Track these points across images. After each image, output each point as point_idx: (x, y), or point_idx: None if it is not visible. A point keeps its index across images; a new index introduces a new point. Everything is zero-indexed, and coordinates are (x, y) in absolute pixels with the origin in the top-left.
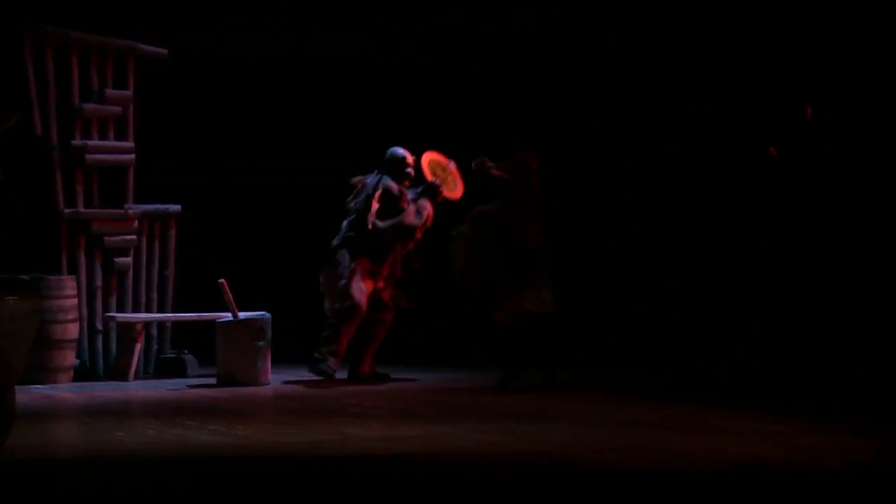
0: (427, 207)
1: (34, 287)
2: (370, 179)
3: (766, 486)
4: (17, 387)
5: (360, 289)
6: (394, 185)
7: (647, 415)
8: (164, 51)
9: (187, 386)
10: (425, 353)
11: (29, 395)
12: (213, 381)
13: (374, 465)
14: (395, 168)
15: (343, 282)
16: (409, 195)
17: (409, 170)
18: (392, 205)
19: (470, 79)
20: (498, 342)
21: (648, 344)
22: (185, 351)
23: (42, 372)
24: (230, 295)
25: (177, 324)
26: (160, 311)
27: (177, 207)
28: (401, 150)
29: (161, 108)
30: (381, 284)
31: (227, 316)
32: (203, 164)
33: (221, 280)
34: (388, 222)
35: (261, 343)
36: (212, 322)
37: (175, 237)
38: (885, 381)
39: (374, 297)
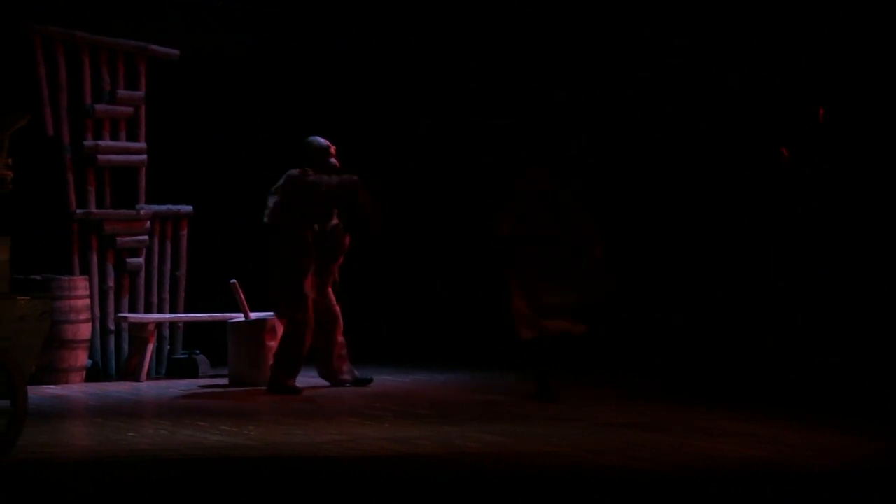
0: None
1: (46, 287)
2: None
3: (775, 489)
4: (29, 387)
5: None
6: (311, 173)
7: (656, 417)
8: (175, 51)
9: (199, 386)
10: (433, 354)
11: (41, 395)
12: (224, 381)
13: (383, 465)
14: (314, 159)
15: None
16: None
17: (333, 160)
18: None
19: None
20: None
21: (660, 345)
22: (197, 351)
23: (54, 372)
24: (242, 295)
25: (188, 324)
26: (172, 311)
27: (188, 208)
28: (321, 140)
29: (172, 108)
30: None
31: (239, 317)
32: (214, 164)
33: (233, 281)
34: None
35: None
36: (223, 323)
37: (187, 238)
38: None
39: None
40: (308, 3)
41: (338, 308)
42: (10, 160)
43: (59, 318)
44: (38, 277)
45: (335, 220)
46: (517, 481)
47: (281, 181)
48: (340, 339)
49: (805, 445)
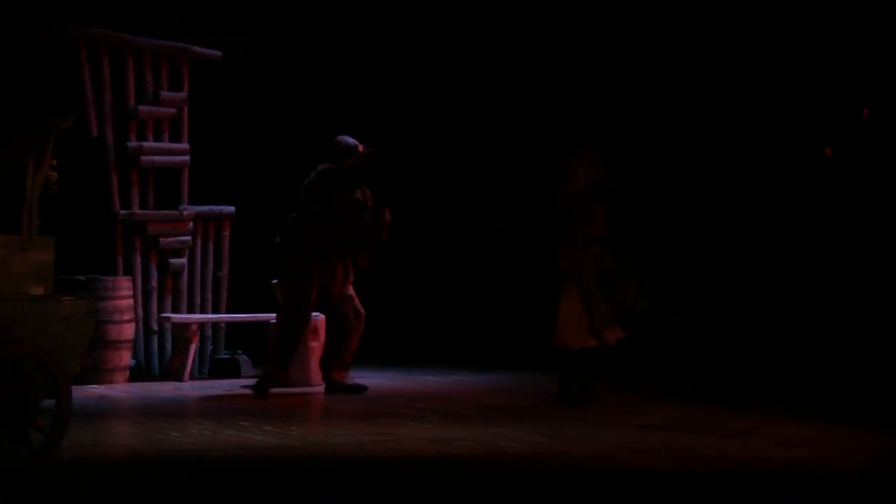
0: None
1: (90, 288)
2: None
3: (811, 491)
4: (73, 387)
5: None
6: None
7: (693, 418)
8: (218, 53)
9: (241, 387)
10: (475, 355)
11: (85, 394)
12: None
13: (425, 466)
14: (343, 158)
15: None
16: None
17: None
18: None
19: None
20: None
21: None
22: (239, 352)
23: (98, 372)
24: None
25: (231, 325)
26: (214, 311)
27: (231, 209)
28: (349, 139)
29: (215, 109)
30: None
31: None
32: (257, 165)
33: (275, 281)
34: None
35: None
36: (266, 323)
37: (229, 238)
38: None
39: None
40: (345, 5)
41: (362, 311)
42: (55, 161)
43: (102, 319)
44: (82, 278)
45: (369, 200)
46: (558, 482)
47: (312, 175)
48: (350, 341)
49: (837, 446)
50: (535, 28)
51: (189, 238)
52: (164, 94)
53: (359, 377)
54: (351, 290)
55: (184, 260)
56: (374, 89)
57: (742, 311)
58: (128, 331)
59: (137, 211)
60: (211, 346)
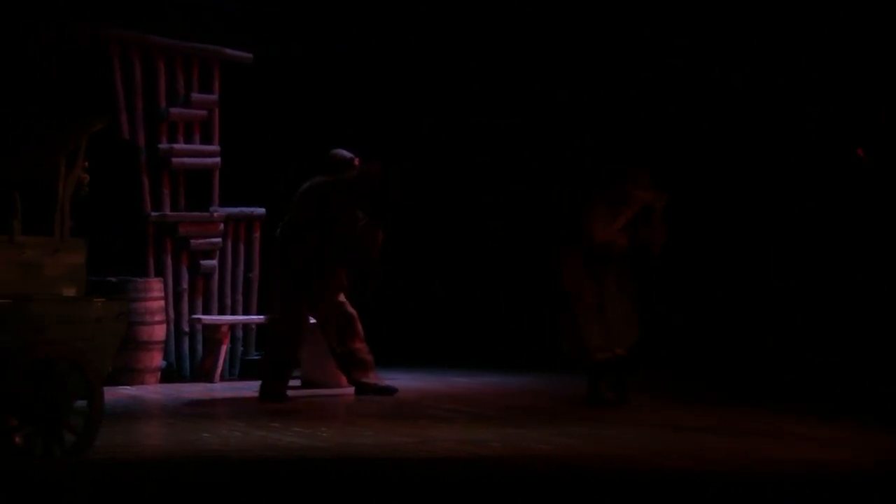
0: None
1: (121, 289)
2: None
3: (849, 493)
4: (105, 387)
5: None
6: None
7: (725, 420)
8: (249, 55)
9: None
10: (503, 357)
11: (117, 395)
12: (296, 383)
13: (453, 467)
14: (340, 172)
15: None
16: None
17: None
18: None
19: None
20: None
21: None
22: None
23: (130, 373)
24: None
25: (261, 326)
26: (245, 313)
27: (261, 210)
28: (346, 153)
29: (245, 111)
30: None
31: (311, 318)
32: (287, 167)
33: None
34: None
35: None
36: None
37: (259, 240)
38: None
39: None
40: (377, 7)
41: (354, 312)
42: (86, 163)
43: (134, 320)
44: (113, 279)
45: (362, 219)
46: (586, 484)
47: (306, 186)
48: (353, 344)
49: (876, 447)
50: (536, 28)
51: (220, 240)
52: (195, 96)
53: (388, 378)
54: (341, 297)
55: (214, 261)
56: (388, 89)
57: (742, 311)
58: (159, 332)
59: (169, 213)
60: (241, 348)
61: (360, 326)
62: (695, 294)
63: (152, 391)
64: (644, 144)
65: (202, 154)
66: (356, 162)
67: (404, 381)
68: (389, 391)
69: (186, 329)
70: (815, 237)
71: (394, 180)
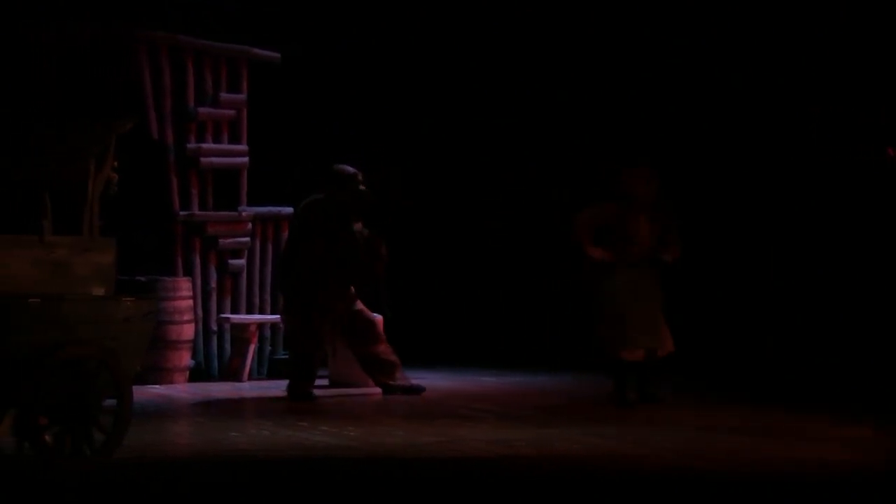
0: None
1: (150, 288)
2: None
3: (879, 495)
4: (134, 386)
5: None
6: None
7: (759, 421)
8: (277, 54)
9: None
10: (533, 356)
11: (146, 394)
12: (325, 382)
13: (481, 466)
14: (343, 187)
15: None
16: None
17: (362, 187)
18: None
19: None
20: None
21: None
22: None
23: (158, 372)
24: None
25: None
26: (273, 312)
27: (289, 210)
28: (348, 168)
29: (273, 110)
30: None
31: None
32: (315, 166)
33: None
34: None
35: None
36: None
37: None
38: None
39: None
40: (406, 7)
41: (374, 317)
42: (115, 163)
43: (163, 319)
44: (142, 278)
45: (365, 233)
46: (618, 484)
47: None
48: (377, 348)
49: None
50: (536, 28)
51: (248, 239)
52: (224, 95)
53: (416, 378)
54: (358, 304)
55: (243, 261)
56: (403, 89)
57: (742, 311)
58: (188, 331)
59: (197, 212)
60: (269, 347)
61: (381, 329)
62: (695, 294)
63: (181, 390)
64: (643, 145)
65: (230, 153)
66: (359, 177)
67: (432, 381)
68: (417, 390)
69: (214, 328)
70: (815, 237)
71: (394, 181)
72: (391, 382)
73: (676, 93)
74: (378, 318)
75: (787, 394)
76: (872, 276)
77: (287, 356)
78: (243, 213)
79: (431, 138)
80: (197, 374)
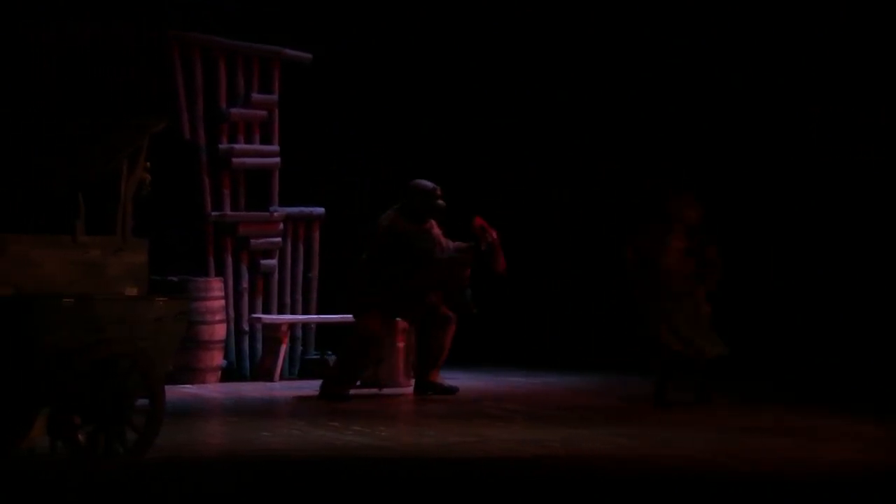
0: (451, 252)
1: (182, 289)
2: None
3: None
4: (166, 386)
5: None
6: (402, 225)
7: (784, 421)
8: (308, 55)
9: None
10: (565, 356)
11: (178, 394)
12: (357, 382)
13: (511, 467)
14: (422, 202)
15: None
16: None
17: (440, 202)
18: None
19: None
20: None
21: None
22: (329, 352)
23: (191, 372)
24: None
25: (320, 325)
26: (304, 312)
27: (320, 210)
28: (426, 183)
29: (305, 111)
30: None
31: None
32: (346, 167)
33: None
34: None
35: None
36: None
37: (319, 240)
38: None
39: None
40: (437, 8)
41: (452, 314)
42: (148, 164)
43: (195, 319)
44: (174, 279)
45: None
46: (648, 485)
47: (379, 229)
48: (442, 342)
49: None
50: (537, 28)
51: (279, 239)
52: (255, 96)
53: (448, 378)
54: (434, 300)
55: (274, 261)
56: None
57: (742, 310)
58: (219, 331)
59: (229, 212)
60: (301, 347)
61: (452, 327)
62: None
63: (213, 390)
64: (643, 144)
65: (262, 154)
66: (438, 192)
67: (464, 381)
68: (450, 391)
69: (246, 328)
70: (815, 237)
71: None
72: (431, 380)
73: (676, 93)
74: (453, 315)
75: (812, 394)
76: (872, 276)
77: (319, 356)
78: (275, 214)
79: (431, 138)
80: (229, 374)
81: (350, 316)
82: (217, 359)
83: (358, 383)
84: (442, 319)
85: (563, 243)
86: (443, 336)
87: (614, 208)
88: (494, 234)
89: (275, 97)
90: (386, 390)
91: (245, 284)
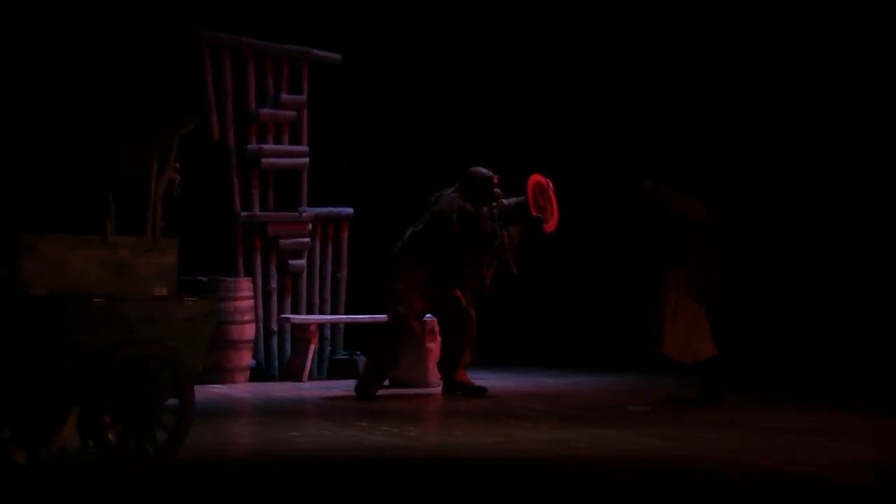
0: (505, 236)
1: (211, 289)
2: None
3: None
4: (195, 386)
5: (409, 308)
6: (470, 207)
7: (816, 421)
8: (338, 55)
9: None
10: (594, 356)
11: (207, 394)
12: (385, 382)
13: (542, 468)
14: (480, 189)
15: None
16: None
17: (497, 190)
18: (470, 227)
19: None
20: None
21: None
22: (358, 352)
23: (220, 372)
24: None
25: (349, 325)
26: (333, 312)
27: (349, 210)
28: (485, 170)
29: (334, 111)
30: (430, 303)
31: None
32: (375, 167)
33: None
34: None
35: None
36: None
37: (347, 240)
38: None
39: (440, 311)
40: (465, 9)
41: (473, 313)
42: (178, 164)
43: (224, 319)
44: (203, 279)
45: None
46: (676, 485)
47: (438, 205)
48: (466, 341)
49: None
50: (537, 28)
51: (308, 239)
52: (285, 96)
53: (476, 378)
54: (459, 294)
55: (303, 261)
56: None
57: (743, 310)
58: (248, 331)
59: (258, 213)
60: (329, 347)
61: (475, 328)
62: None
63: (242, 390)
64: (643, 144)
65: (291, 154)
66: (496, 180)
67: (492, 382)
68: (479, 392)
69: (275, 328)
70: (815, 237)
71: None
72: (459, 380)
73: (676, 93)
74: (472, 313)
75: (835, 393)
76: (872, 275)
77: (347, 356)
78: (304, 214)
79: (430, 138)
80: (258, 374)
81: (380, 316)
82: (246, 359)
83: (386, 383)
84: (463, 317)
85: (586, 242)
86: (465, 335)
87: (613, 209)
88: (551, 189)
89: (304, 97)
90: (415, 390)
91: (274, 284)
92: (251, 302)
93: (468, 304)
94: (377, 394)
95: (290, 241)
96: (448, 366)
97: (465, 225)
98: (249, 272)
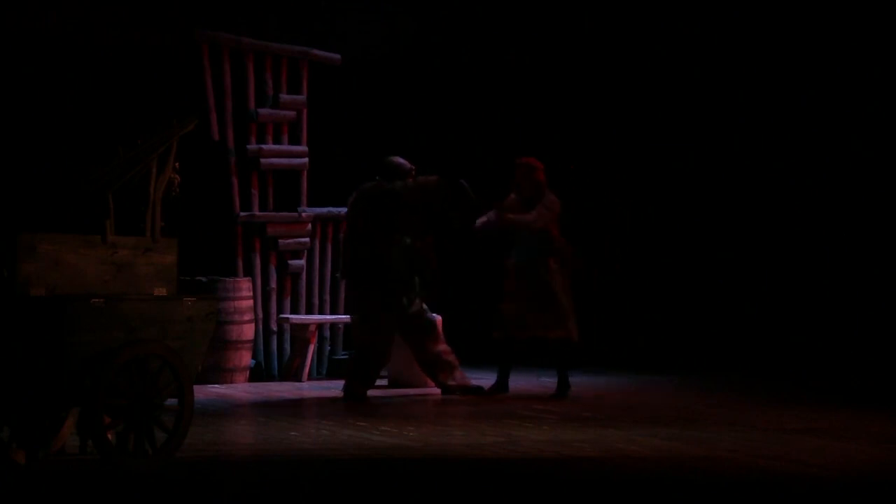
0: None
1: (211, 289)
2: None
3: None
4: (195, 386)
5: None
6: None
7: (821, 421)
8: (337, 56)
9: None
10: (597, 357)
11: (207, 394)
12: (384, 382)
13: (541, 468)
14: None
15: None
16: None
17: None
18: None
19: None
20: None
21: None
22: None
23: (219, 372)
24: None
25: (348, 325)
26: (332, 312)
27: None
28: (404, 160)
29: (333, 112)
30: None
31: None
32: (374, 167)
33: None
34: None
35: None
36: None
37: None
38: None
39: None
40: (471, 10)
41: (434, 317)
42: (177, 164)
43: (223, 319)
44: (203, 279)
45: (423, 238)
46: (677, 485)
47: (354, 196)
48: (436, 348)
49: None
50: (538, 28)
51: (308, 240)
52: (284, 97)
53: (476, 379)
54: (420, 304)
55: (302, 261)
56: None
57: (743, 310)
58: (248, 331)
59: (257, 213)
60: (329, 347)
61: (440, 330)
62: (694, 294)
63: (241, 390)
64: (642, 143)
65: (290, 155)
66: (413, 172)
67: (491, 382)
68: (477, 391)
69: (275, 328)
70: (815, 237)
71: (442, 192)
72: (451, 383)
73: (676, 92)
74: (437, 318)
75: (835, 393)
76: (872, 275)
77: (347, 356)
78: (303, 214)
79: (430, 139)
80: (257, 374)
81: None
82: (245, 359)
83: (386, 384)
84: (427, 325)
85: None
86: (434, 341)
87: (614, 208)
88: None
89: (303, 98)
90: (414, 391)
91: (273, 284)
92: (251, 302)
93: (426, 312)
94: (367, 394)
95: (290, 241)
96: (433, 373)
97: (442, 192)
98: (249, 272)
